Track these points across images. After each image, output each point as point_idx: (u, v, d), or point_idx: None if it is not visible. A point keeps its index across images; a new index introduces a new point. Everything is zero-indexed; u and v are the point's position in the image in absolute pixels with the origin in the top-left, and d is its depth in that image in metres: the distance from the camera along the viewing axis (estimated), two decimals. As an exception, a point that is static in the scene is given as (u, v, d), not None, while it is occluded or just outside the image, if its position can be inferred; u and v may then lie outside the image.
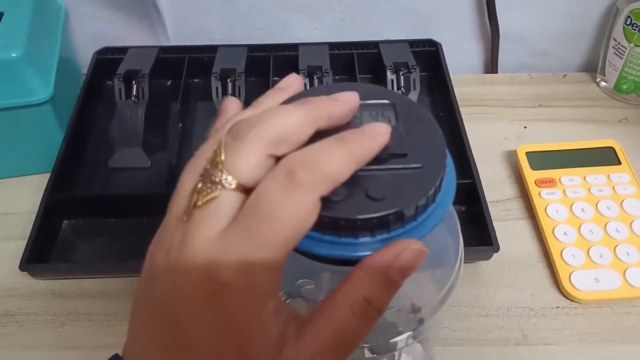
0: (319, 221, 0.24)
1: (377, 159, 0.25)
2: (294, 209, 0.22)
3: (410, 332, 0.30)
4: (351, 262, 0.26)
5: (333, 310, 0.24)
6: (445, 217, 0.31)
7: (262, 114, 0.25)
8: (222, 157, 0.24)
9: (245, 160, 0.23)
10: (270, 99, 0.28)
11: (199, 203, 0.23)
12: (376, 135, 0.25)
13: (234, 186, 0.23)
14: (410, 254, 0.24)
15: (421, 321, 0.30)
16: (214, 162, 0.24)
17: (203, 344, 0.23)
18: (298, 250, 0.26)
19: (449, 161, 0.27)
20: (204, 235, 0.23)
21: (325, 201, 0.24)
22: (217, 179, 0.23)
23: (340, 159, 0.23)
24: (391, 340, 0.30)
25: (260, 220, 0.22)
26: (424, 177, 0.25)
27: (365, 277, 0.24)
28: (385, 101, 0.28)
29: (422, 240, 0.28)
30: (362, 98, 0.28)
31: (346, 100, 0.26)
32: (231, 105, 0.29)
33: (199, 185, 0.24)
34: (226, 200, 0.23)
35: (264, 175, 0.23)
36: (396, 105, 0.28)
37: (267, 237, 0.22)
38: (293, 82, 0.29)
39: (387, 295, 0.24)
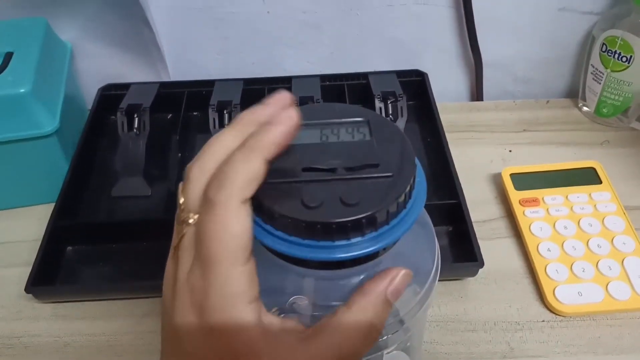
0: (298, 226, 0.26)
1: (352, 169, 0.28)
2: (217, 224, 0.25)
3: (392, 334, 0.32)
4: (330, 264, 0.28)
5: (339, 330, 0.27)
6: (421, 225, 0.34)
7: (202, 153, 0.28)
8: (181, 200, 0.28)
9: (195, 196, 0.27)
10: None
11: (175, 243, 0.28)
12: (276, 120, 0.27)
13: (195, 220, 0.27)
14: (401, 278, 0.29)
15: (402, 322, 0.32)
16: (179, 205, 0.28)
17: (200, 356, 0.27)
18: (281, 255, 0.28)
19: (419, 172, 0.29)
20: (184, 270, 0.27)
21: (303, 207, 0.26)
22: (182, 219, 0.27)
23: (245, 167, 0.26)
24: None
25: (200, 243, 0.26)
26: (395, 184, 0.28)
27: (368, 302, 0.28)
28: (360, 119, 0.31)
29: (398, 243, 0.30)
30: (339, 116, 0.31)
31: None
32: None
33: (176, 226, 0.28)
34: (192, 234, 0.27)
35: None
36: (370, 122, 0.31)
37: (209, 255, 0.26)
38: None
39: (385, 315, 0.28)
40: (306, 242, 0.27)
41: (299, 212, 0.26)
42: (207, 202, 0.26)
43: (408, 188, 0.28)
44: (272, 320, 0.27)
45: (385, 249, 0.29)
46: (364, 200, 0.27)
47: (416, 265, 0.33)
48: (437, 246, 0.34)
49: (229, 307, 0.26)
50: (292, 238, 0.27)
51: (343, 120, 0.31)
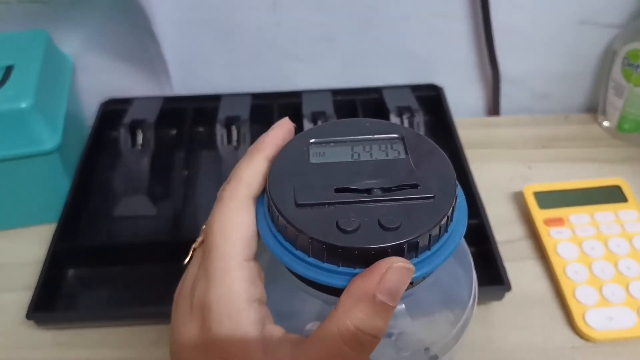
0: (333, 252, 0.24)
1: (389, 190, 0.26)
2: (221, 215, 0.26)
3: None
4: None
5: (325, 338, 0.24)
6: (458, 252, 0.31)
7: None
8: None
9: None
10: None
11: (185, 262, 0.29)
12: (272, 127, 0.29)
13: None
14: (395, 273, 0.23)
15: (435, 357, 0.29)
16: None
17: None
18: (314, 284, 0.26)
19: (460, 192, 0.27)
20: (189, 279, 0.27)
21: (338, 231, 0.24)
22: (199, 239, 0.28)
23: (248, 165, 0.27)
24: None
25: (205, 242, 0.26)
26: (436, 206, 0.25)
27: (352, 304, 0.23)
28: (395, 135, 0.29)
29: (435, 273, 0.28)
30: (371, 133, 0.29)
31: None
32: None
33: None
34: (201, 249, 0.27)
35: None
36: (405, 138, 0.28)
37: (211, 247, 0.25)
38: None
39: (380, 321, 0.24)
40: (342, 269, 0.24)
41: (335, 236, 0.24)
42: (216, 201, 0.27)
43: (450, 210, 0.25)
44: (273, 330, 0.25)
45: (424, 277, 0.27)
46: (404, 223, 0.24)
47: (453, 295, 0.31)
48: (474, 274, 0.31)
49: (229, 306, 0.24)
50: (326, 265, 0.24)
51: (375, 136, 0.29)
